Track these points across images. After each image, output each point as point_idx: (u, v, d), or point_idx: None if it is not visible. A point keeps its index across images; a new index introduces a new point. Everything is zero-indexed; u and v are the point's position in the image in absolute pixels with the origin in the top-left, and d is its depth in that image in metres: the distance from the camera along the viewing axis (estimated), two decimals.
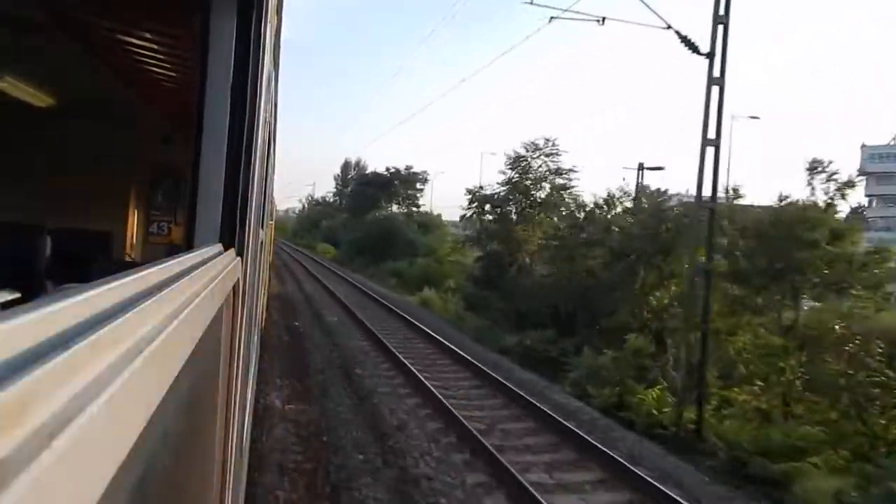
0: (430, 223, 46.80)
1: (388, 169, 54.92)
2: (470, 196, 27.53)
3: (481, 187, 27.49)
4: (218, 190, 1.39)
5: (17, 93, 5.61)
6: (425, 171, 55.10)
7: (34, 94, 5.85)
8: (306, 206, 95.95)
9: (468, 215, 28.30)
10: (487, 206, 27.08)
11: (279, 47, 3.95)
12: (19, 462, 0.27)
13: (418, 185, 54.16)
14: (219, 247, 1.32)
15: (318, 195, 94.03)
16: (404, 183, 53.56)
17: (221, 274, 1.03)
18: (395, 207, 53.42)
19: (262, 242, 3.63)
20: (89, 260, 4.32)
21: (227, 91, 1.39)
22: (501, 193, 26.70)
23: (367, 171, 66.69)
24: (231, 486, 1.52)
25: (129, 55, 4.54)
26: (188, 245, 1.37)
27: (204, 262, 0.93)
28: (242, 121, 1.43)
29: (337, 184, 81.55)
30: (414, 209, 52.40)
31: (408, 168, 54.53)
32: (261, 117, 1.77)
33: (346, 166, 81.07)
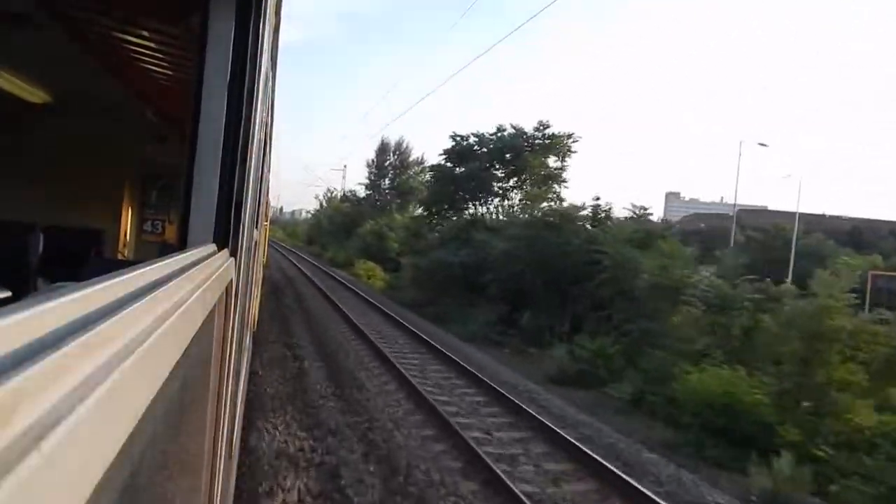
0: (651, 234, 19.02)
1: (499, 129, 27.25)
2: None
3: None
4: (212, 190, 1.39)
5: (13, 88, 5.59)
6: (572, 134, 26.34)
7: (30, 90, 5.82)
8: (325, 203, 67.53)
9: None
10: None
11: (277, 47, 3.95)
12: (8, 463, 0.27)
13: (551, 161, 26.48)
14: (212, 247, 1.32)
15: (342, 189, 65.52)
16: (537, 152, 26.37)
17: (214, 274, 1.02)
18: (516, 198, 27.08)
19: (255, 243, 3.62)
20: (81, 258, 4.30)
21: (224, 91, 1.38)
22: None
23: (412, 155, 45.77)
24: (219, 488, 1.51)
25: (126, 53, 4.53)
26: (181, 244, 1.37)
27: (197, 262, 0.92)
28: (239, 120, 1.43)
29: (371, 172, 56.19)
30: (553, 202, 24.71)
31: (541, 126, 26.34)
32: (257, 117, 1.76)
33: (382, 149, 56.21)
